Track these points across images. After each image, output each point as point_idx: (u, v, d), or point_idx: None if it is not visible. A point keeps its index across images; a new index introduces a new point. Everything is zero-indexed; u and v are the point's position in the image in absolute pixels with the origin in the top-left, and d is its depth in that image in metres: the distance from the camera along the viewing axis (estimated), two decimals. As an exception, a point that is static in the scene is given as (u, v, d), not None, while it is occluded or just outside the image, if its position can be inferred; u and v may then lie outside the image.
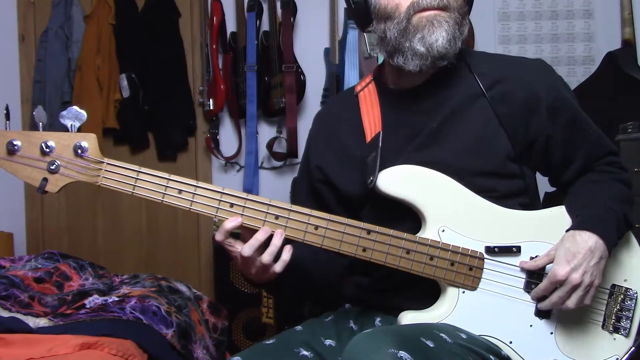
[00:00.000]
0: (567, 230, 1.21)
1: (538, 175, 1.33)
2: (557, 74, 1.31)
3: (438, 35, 1.20)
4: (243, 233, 1.16)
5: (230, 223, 1.14)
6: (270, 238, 1.14)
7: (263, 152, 3.21)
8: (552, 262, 1.18)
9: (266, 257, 1.13)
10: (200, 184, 1.15)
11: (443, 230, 1.20)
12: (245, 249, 1.13)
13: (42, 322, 1.61)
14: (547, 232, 1.21)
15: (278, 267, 1.15)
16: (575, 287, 1.15)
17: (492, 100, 1.25)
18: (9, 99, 3.13)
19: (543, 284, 1.18)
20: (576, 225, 1.20)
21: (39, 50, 3.24)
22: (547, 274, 1.18)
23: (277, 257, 1.15)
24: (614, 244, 1.21)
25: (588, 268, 1.15)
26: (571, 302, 1.16)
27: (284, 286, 1.28)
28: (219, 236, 1.14)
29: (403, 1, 1.22)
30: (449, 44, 1.20)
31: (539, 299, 1.20)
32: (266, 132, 3.23)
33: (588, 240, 1.17)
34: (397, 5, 1.23)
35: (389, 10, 1.24)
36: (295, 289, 1.35)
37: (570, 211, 1.25)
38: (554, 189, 1.39)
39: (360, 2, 1.28)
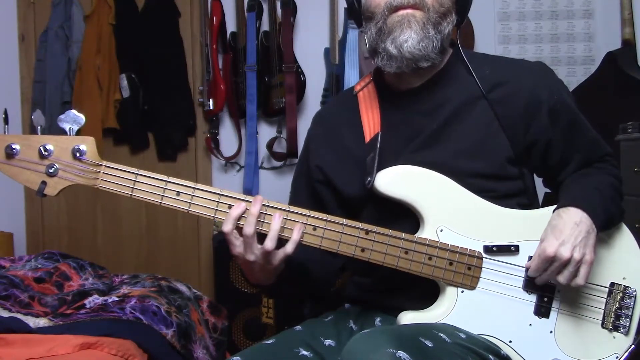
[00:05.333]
0: (553, 211, 1.21)
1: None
2: (557, 77, 1.31)
3: (407, 36, 1.19)
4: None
5: (236, 210, 1.13)
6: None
7: (263, 152, 3.22)
8: None
9: (269, 243, 1.11)
10: (199, 185, 1.15)
11: (441, 230, 1.20)
12: (246, 227, 1.11)
13: (42, 322, 1.62)
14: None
15: (289, 247, 1.14)
16: (565, 263, 1.14)
17: (493, 103, 1.24)
18: (9, 99, 3.15)
19: (534, 262, 1.17)
20: (561, 204, 1.21)
21: (39, 50, 3.25)
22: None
23: (279, 246, 1.14)
24: (600, 221, 1.20)
25: (576, 243, 1.14)
26: (563, 277, 1.15)
27: (284, 286, 1.28)
28: (226, 226, 1.12)
29: (382, 1, 1.22)
30: (419, 45, 1.20)
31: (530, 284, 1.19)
32: (266, 132, 3.23)
33: (573, 215, 1.17)
34: (377, 5, 1.23)
35: (371, 10, 1.25)
36: (294, 288, 1.35)
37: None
38: (553, 189, 1.39)
39: (353, 1, 1.29)
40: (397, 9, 1.21)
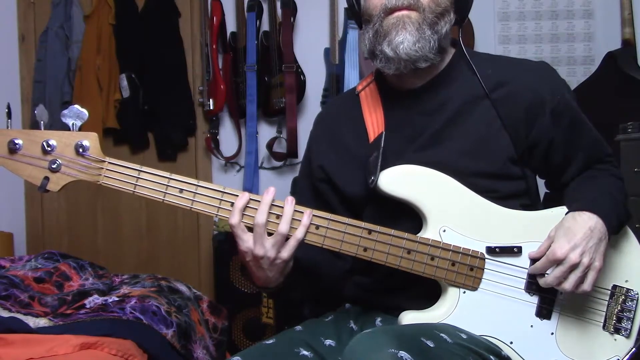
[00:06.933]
0: (566, 213, 1.21)
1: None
2: (560, 77, 1.31)
3: (402, 38, 1.19)
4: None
5: (240, 200, 1.13)
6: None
7: (263, 152, 3.22)
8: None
9: (283, 225, 1.11)
10: (202, 183, 1.15)
11: (444, 230, 1.20)
12: (259, 215, 1.11)
13: (42, 322, 1.61)
14: (548, 233, 1.20)
15: (300, 232, 1.14)
16: (573, 267, 1.14)
17: (495, 102, 1.24)
18: (9, 99, 3.12)
19: (540, 262, 1.16)
20: (576, 207, 1.20)
21: (39, 50, 3.25)
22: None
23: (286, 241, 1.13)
24: (612, 227, 1.20)
25: (587, 248, 1.14)
26: (568, 284, 1.14)
27: (291, 288, 1.27)
28: (234, 219, 1.12)
29: (379, 3, 1.22)
30: (415, 46, 1.19)
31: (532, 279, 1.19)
32: (266, 132, 3.23)
33: (588, 220, 1.16)
34: (374, 8, 1.23)
35: (369, 13, 1.25)
36: (301, 290, 1.35)
37: (569, 203, 1.24)
38: (554, 188, 1.39)
39: (353, 3, 1.29)
40: (392, 10, 1.21)
